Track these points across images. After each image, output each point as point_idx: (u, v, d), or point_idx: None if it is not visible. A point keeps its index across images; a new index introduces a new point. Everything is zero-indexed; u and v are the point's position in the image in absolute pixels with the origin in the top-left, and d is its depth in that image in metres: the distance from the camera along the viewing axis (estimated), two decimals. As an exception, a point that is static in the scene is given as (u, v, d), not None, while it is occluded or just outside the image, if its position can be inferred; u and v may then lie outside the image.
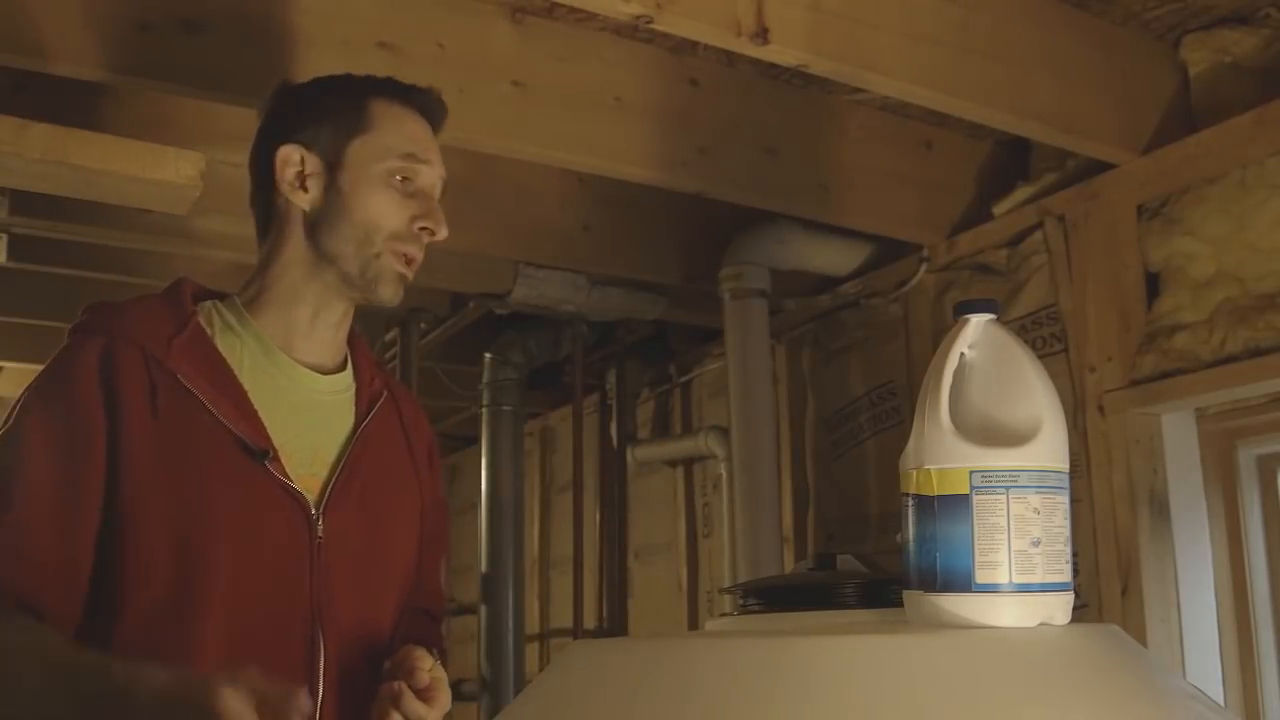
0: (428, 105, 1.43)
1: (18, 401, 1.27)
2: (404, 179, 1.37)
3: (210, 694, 1.04)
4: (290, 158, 1.36)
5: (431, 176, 1.40)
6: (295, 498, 1.28)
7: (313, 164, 1.37)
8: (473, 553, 3.74)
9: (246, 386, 1.31)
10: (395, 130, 1.38)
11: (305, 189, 1.36)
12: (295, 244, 1.37)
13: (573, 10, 2.00)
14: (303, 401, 1.35)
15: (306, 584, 1.27)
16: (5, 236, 2.55)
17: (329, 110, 1.39)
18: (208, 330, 1.33)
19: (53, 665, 1.15)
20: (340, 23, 1.95)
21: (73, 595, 1.21)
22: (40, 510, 1.20)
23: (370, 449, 1.38)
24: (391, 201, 1.36)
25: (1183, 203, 2.20)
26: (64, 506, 1.21)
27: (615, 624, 3.73)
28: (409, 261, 1.37)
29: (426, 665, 1.25)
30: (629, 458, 3.78)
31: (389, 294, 1.37)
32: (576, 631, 3.64)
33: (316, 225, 1.36)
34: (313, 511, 1.29)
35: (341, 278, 1.36)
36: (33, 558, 1.20)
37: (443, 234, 1.38)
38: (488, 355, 3.69)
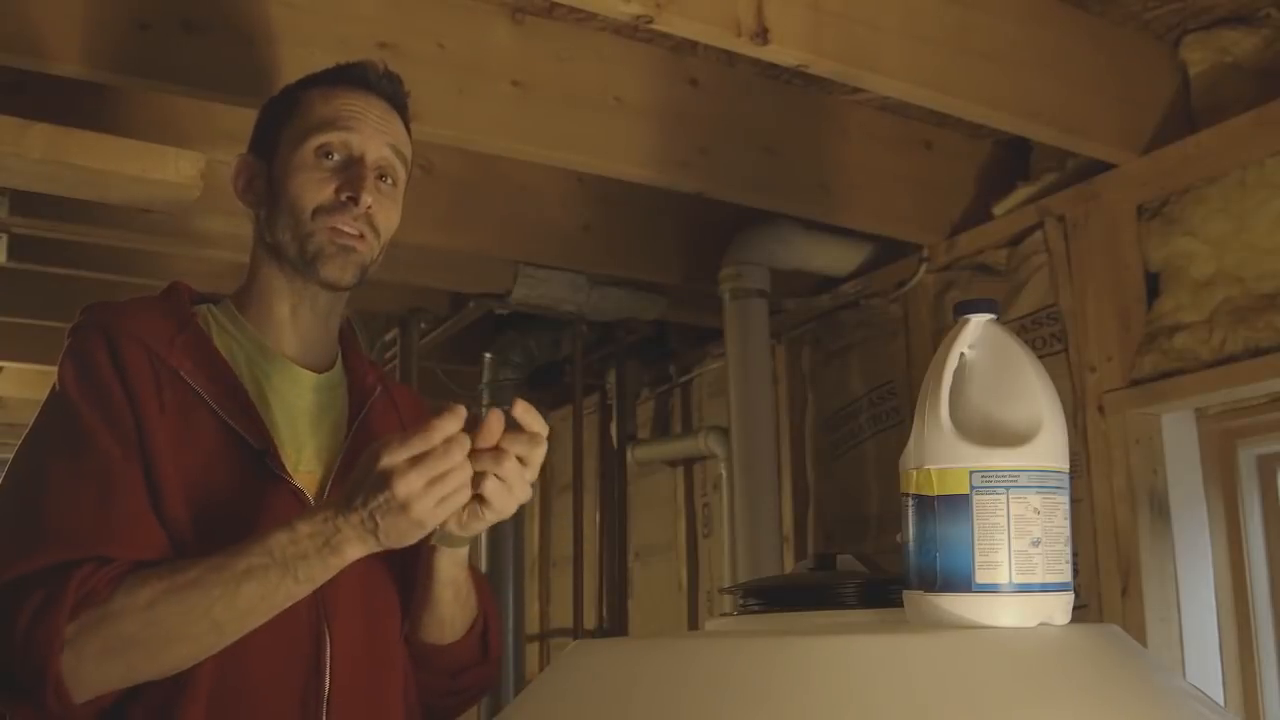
0: (364, 77, 1.40)
1: (51, 399, 1.26)
2: (328, 153, 1.34)
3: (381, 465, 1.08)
4: (240, 168, 1.40)
5: (362, 145, 1.35)
6: (295, 494, 1.28)
7: (255, 166, 1.39)
8: (473, 552, 3.74)
9: (245, 385, 1.31)
10: (319, 107, 1.36)
11: (252, 191, 1.39)
12: (259, 246, 1.39)
13: (573, 10, 2.00)
14: (298, 400, 1.36)
15: None
16: (5, 236, 2.56)
17: (268, 112, 1.42)
18: (205, 330, 1.34)
19: (237, 561, 1.13)
20: (340, 22, 1.95)
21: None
22: (140, 492, 1.19)
23: (366, 444, 1.37)
24: (314, 178, 1.33)
25: (1183, 203, 2.20)
26: (136, 481, 1.20)
27: (615, 624, 3.73)
28: (351, 236, 1.33)
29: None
30: (629, 458, 3.78)
31: (334, 273, 1.34)
32: (576, 631, 3.63)
33: (265, 223, 1.37)
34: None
35: (289, 266, 1.35)
36: (149, 537, 1.18)
37: (365, 201, 1.32)
38: (488, 355, 3.69)
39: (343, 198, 1.33)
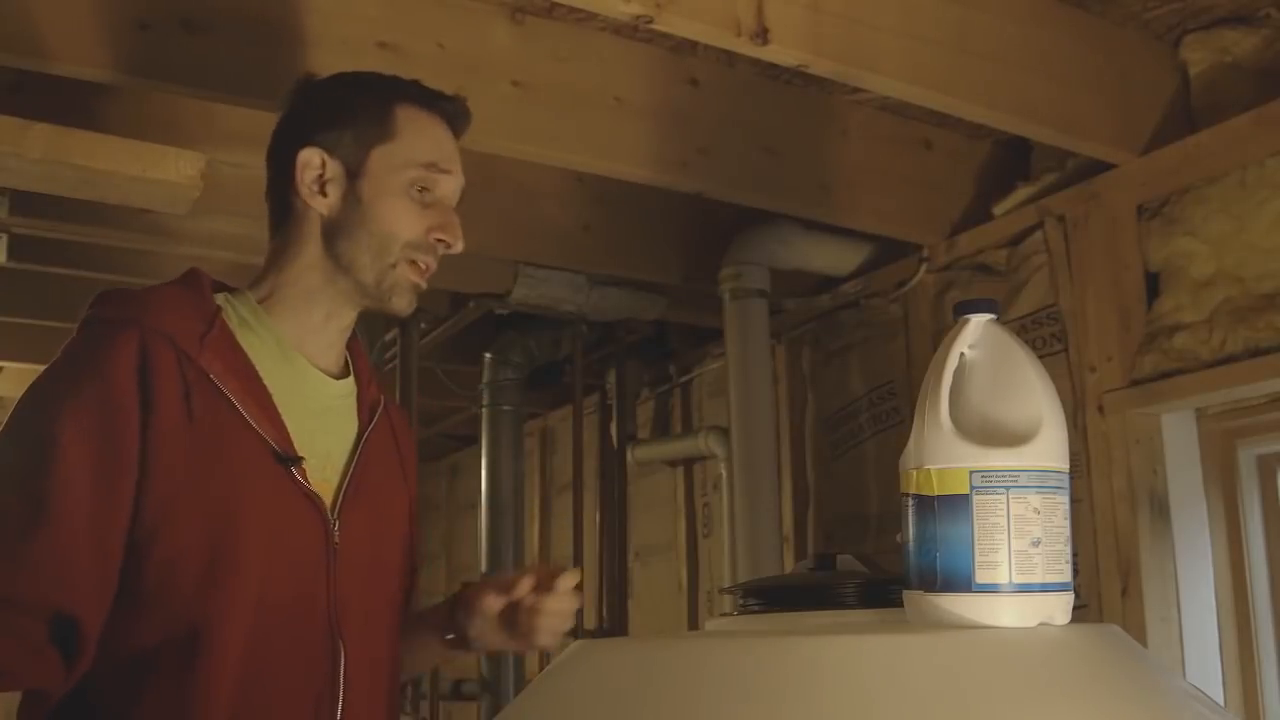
0: (453, 113, 1.41)
1: (38, 395, 1.21)
2: (423, 189, 1.35)
3: None
4: (311, 161, 1.34)
5: (451, 186, 1.38)
6: (315, 503, 1.28)
7: (333, 169, 1.34)
8: (473, 553, 3.74)
9: (269, 388, 1.29)
10: (418, 139, 1.36)
11: (325, 194, 1.34)
12: (312, 248, 1.35)
13: (573, 10, 2.00)
14: (317, 405, 1.35)
15: (324, 589, 1.27)
16: (5, 236, 2.55)
17: (353, 114, 1.36)
18: (229, 325, 1.31)
19: None
20: (340, 22, 1.95)
21: (105, 606, 1.17)
22: (78, 524, 1.15)
23: (372, 456, 1.38)
24: (409, 211, 1.34)
25: (1183, 203, 2.20)
26: (101, 516, 1.16)
27: (615, 624, 3.73)
28: (424, 271, 1.36)
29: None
30: (629, 458, 3.78)
31: (403, 304, 1.36)
32: (577, 631, 3.62)
33: (334, 231, 1.34)
34: (330, 517, 1.29)
35: (356, 286, 1.35)
36: (73, 575, 1.15)
37: (459, 247, 1.37)
38: (488, 355, 3.69)
39: (433, 239, 1.35)
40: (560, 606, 1.35)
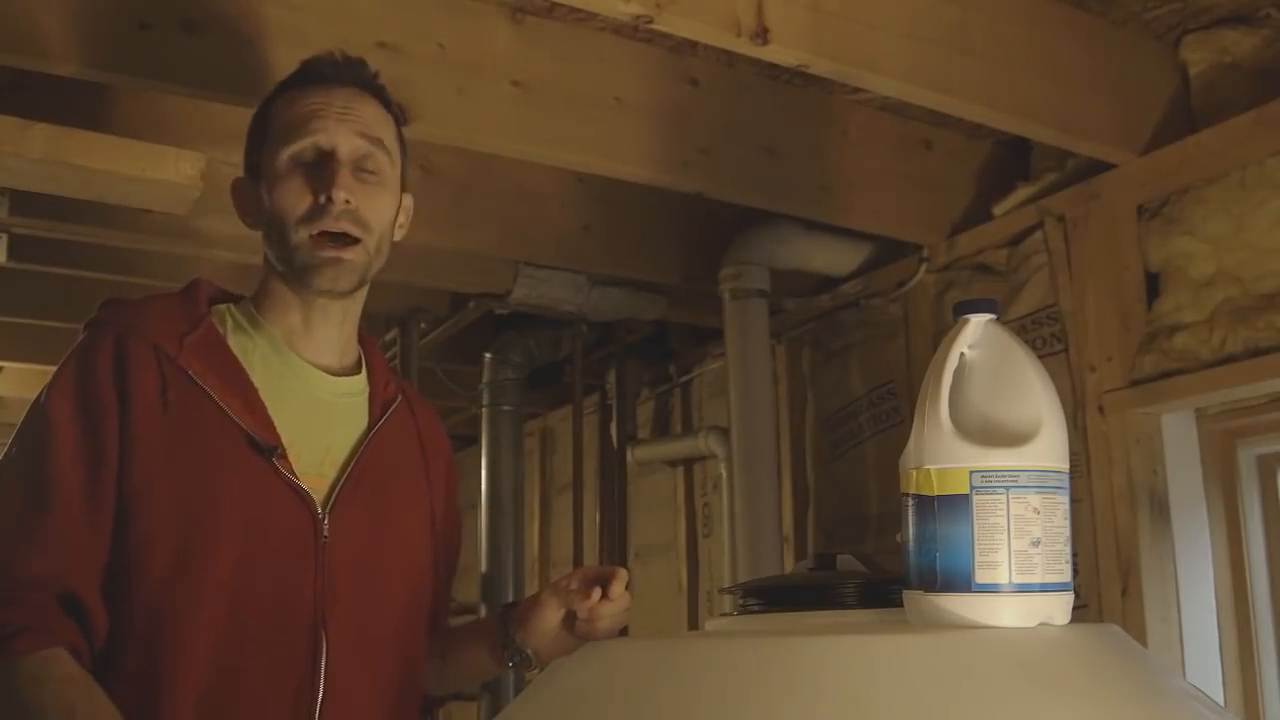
0: (320, 73, 1.38)
1: (40, 398, 1.27)
2: (300, 161, 1.33)
3: None
4: (234, 192, 1.42)
5: (330, 142, 1.33)
6: (301, 496, 1.28)
7: (247, 187, 1.40)
8: (473, 553, 3.73)
9: (258, 385, 1.31)
10: (284, 116, 1.36)
11: (251, 214, 1.39)
12: (265, 259, 1.40)
13: (573, 10, 2.00)
14: (314, 402, 1.36)
15: (310, 583, 1.27)
16: (5, 236, 2.55)
17: (250, 130, 1.41)
18: (220, 329, 1.34)
19: None
20: (340, 23, 1.95)
21: (99, 585, 1.22)
22: (74, 510, 1.21)
23: (381, 453, 1.37)
24: (294, 189, 1.32)
25: (1183, 203, 2.20)
26: (92, 503, 1.21)
27: (615, 624, 3.72)
28: (338, 241, 1.32)
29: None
30: (629, 458, 3.78)
31: (325, 283, 1.33)
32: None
33: (264, 238, 1.38)
34: (319, 511, 1.29)
35: (290, 278, 1.35)
36: (74, 556, 1.20)
37: (340, 196, 1.30)
38: (488, 355, 3.69)
39: (320, 200, 1.31)
40: (616, 609, 1.33)
